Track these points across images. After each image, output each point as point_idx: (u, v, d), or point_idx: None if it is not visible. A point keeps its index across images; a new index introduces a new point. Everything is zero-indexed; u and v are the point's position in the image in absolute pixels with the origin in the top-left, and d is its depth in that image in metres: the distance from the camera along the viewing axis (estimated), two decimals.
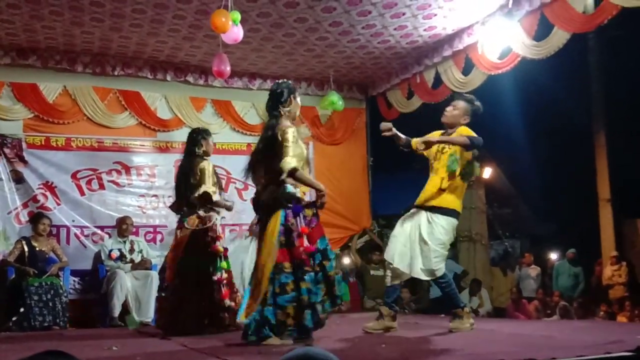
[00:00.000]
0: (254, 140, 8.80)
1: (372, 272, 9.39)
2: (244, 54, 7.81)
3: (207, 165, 5.37)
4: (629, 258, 9.90)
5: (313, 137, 9.12)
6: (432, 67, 7.92)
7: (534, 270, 10.60)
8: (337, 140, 9.29)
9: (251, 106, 8.73)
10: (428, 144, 4.67)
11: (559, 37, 6.16)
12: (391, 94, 8.90)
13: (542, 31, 6.35)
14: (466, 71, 7.42)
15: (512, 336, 4.57)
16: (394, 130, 4.84)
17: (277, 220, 4.14)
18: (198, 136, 5.55)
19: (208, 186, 5.25)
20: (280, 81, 4.54)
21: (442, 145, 4.74)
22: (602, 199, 9.61)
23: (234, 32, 5.87)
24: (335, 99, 8.50)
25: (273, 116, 4.36)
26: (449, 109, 4.89)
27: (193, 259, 5.19)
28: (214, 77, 7.98)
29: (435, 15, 6.78)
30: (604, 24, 5.77)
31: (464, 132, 4.73)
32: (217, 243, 5.21)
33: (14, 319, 6.35)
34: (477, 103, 4.93)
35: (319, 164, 9.07)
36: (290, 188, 4.17)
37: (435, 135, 4.92)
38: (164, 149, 8.17)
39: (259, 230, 4.39)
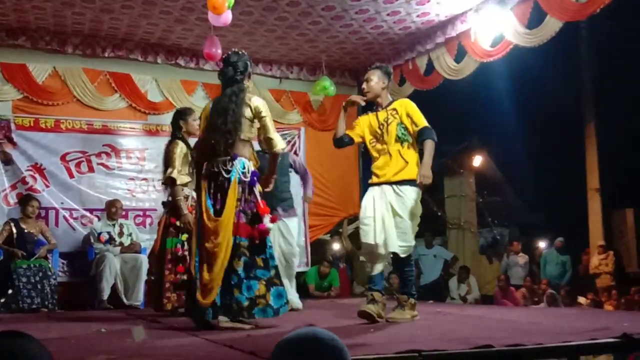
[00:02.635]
0: None
1: (362, 257, 9.42)
2: (236, 38, 7.76)
3: (176, 147, 5.31)
4: (616, 248, 9.98)
5: (304, 123, 9.11)
6: (424, 53, 7.91)
7: (522, 258, 10.67)
8: (328, 126, 9.24)
9: None
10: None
11: (551, 26, 6.16)
12: None
13: (534, 19, 6.36)
14: (458, 58, 7.42)
15: (500, 322, 4.60)
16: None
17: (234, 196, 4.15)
18: (177, 120, 5.51)
19: (172, 170, 5.23)
20: (237, 51, 4.48)
21: (383, 118, 4.64)
22: (591, 189, 9.66)
23: (224, 14, 5.84)
24: (328, 84, 8.47)
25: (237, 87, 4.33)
26: (364, 85, 4.78)
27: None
28: (205, 61, 7.94)
29: (429, 1, 6.77)
30: (596, 13, 5.78)
31: (410, 105, 4.64)
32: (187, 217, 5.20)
33: (2, 300, 6.34)
34: (383, 64, 4.94)
35: (311, 149, 9.06)
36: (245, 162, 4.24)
37: (363, 122, 4.81)
38: (154, 132, 8.12)
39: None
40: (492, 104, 12.05)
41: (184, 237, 5.23)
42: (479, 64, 7.13)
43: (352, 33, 7.70)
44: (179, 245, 5.24)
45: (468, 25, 7.03)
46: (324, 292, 8.55)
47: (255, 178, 4.24)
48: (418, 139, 4.57)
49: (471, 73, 7.30)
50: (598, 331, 3.60)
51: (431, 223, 12.11)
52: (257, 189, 4.27)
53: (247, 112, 4.23)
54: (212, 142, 4.20)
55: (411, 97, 8.33)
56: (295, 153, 8.85)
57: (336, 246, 10.26)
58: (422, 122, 4.56)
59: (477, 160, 12.40)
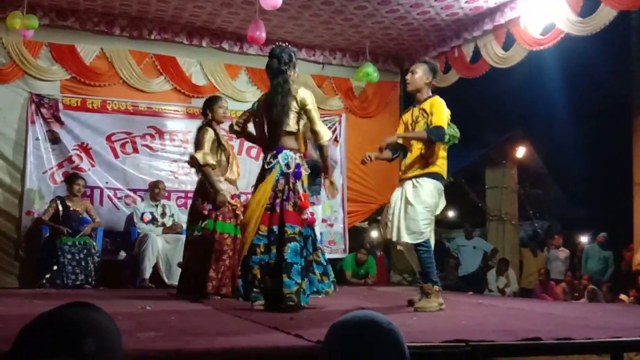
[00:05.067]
0: None
1: (399, 246, 9.37)
2: (281, 22, 7.75)
3: (205, 132, 5.39)
4: None
5: (346, 109, 9.07)
6: (471, 41, 7.78)
7: (562, 253, 10.50)
8: (370, 113, 9.20)
9: None
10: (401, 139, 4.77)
11: (605, 14, 6.00)
12: None
13: (587, 7, 6.19)
14: (506, 46, 7.28)
15: (545, 315, 4.52)
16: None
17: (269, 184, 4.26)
18: (205, 108, 5.59)
19: (200, 151, 5.29)
20: (281, 44, 4.57)
21: (415, 116, 4.73)
22: (637, 184, 9.41)
23: None
24: (371, 71, 8.40)
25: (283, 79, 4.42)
26: (408, 76, 4.85)
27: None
28: (250, 45, 7.96)
29: None
30: None
31: (435, 103, 4.67)
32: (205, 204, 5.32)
33: (47, 276, 6.49)
34: (431, 60, 4.99)
35: (351, 136, 9.02)
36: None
37: (402, 123, 4.94)
38: (197, 115, 8.12)
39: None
40: (537, 93, 11.82)
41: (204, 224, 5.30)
42: (527, 52, 6.98)
43: (397, 19, 7.61)
44: (196, 232, 5.33)
45: (518, 13, 6.88)
46: (361, 279, 8.55)
47: (299, 170, 4.32)
48: None
49: (519, 61, 7.16)
50: None
51: (471, 214, 12.02)
52: (302, 181, 4.35)
53: (294, 104, 4.32)
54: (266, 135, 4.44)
55: (456, 84, 8.27)
56: (335, 139, 8.83)
57: (374, 234, 10.22)
58: (439, 121, 4.60)
59: (520, 152, 12.18)
